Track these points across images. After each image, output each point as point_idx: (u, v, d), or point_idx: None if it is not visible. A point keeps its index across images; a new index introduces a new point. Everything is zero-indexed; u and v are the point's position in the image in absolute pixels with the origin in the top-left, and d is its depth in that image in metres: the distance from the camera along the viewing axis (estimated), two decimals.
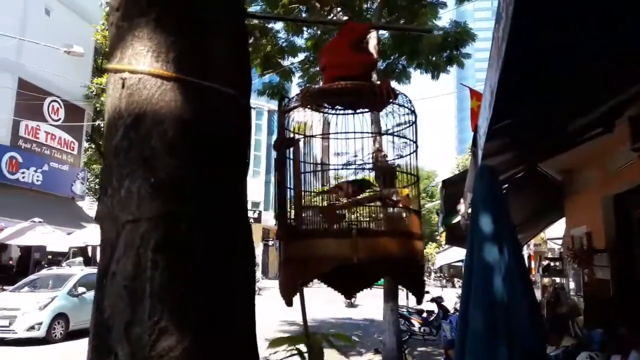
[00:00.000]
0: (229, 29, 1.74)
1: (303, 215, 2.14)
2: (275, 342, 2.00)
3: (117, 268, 1.42)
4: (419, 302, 2.15)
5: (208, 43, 1.65)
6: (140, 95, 1.52)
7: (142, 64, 1.54)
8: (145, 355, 1.34)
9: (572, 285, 9.71)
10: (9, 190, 21.29)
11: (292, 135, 2.23)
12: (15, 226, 17.57)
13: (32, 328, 11.13)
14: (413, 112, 2.25)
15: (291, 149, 2.15)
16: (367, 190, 2.27)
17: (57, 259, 19.10)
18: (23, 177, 22.46)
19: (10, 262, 19.45)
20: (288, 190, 2.11)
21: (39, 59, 21.22)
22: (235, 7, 1.83)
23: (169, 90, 1.54)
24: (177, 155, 1.49)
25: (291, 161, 2.16)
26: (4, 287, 14.19)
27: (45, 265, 17.33)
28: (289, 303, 1.97)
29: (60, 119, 24.63)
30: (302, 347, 2.02)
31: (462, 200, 7.09)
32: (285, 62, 12.93)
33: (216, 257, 1.50)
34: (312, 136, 2.36)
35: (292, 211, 2.13)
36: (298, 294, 2.01)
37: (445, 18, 12.96)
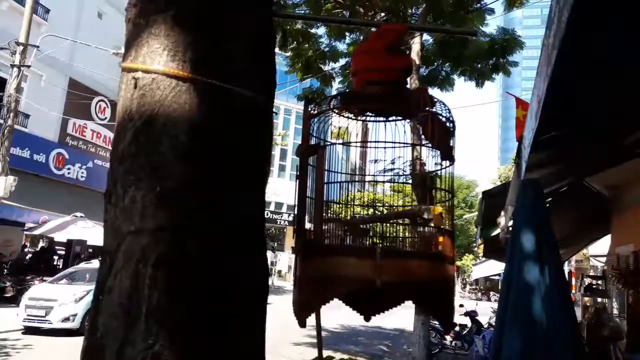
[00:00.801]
0: (253, 29, 1.63)
1: (324, 227, 1.99)
2: None
3: (114, 283, 1.30)
4: (447, 332, 1.98)
5: (229, 43, 1.54)
6: (153, 97, 1.42)
7: (157, 62, 1.44)
8: None
9: (615, 306, 9.24)
10: (55, 185, 22.05)
11: (317, 141, 2.09)
12: (57, 220, 18.13)
13: (66, 319, 11.38)
14: (452, 121, 2.09)
15: (315, 157, 2.00)
16: (396, 206, 2.12)
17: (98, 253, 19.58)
18: (68, 173, 23.23)
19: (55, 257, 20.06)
20: (308, 200, 1.98)
21: (89, 60, 21.93)
22: (261, 6, 1.71)
23: (184, 91, 1.42)
24: (187, 163, 1.37)
25: (314, 169, 2.01)
26: (44, 279, 14.60)
27: (85, 259, 17.75)
28: (302, 324, 1.83)
29: (106, 117, 25.36)
30: None
31: (502, 213, 6.83)
32: (326, 67, 12.85)
33: (223, 278, 1.37)
34: (340, 143, 2.23)
35: (312, 224, 1.98)
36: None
37: (492, 24, 12.64)
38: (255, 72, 1.59)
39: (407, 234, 2.17)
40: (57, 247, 20.29)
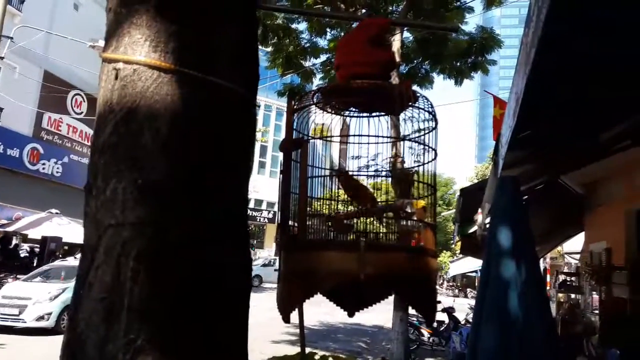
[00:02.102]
0: (237, 21, 1.61)
1: (308, 223, 1.99)
2: None
3: (95, 277, 1.28)
4: (429, 325, 2.00)
5: (213, 35, 1.52)
6: (134, 88, 1.39)
7: (139, 53, 1.41)
8: None
9: (588, 302, 9.45)
10: (29, 180, 21.61)
11: (300, 136, 2.08)
12: (32, 216, 17.78)
13: (41, 318, 11.18)
14: (434, 117, 2.10)
15: (299, 151, 1.99)
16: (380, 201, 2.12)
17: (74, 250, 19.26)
18: (43, 168, 22.77)
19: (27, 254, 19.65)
20: (292, 195, 1.97)
21: (65, 53, 21.51)
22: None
23: (166, 83, 1.40)
24: (169, 155, 1.35)
25: (298, 164, 2.00)
26: (18, 277, 14.31)
27: (60, 256, 17.45)
28: (287, 319, 1.83)
29: (83, 112, 24.93)
30: None
31: (479, 210, 6.92)
32: (307, 63, 12.84)
33: (206, 271, 1.35)
34: (322, 138, 2.22)
35: (296, 219, 1.98)
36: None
37: (471, 23, 12.79)
38: (238, 64, 1.57)
39: (390, 228, 2.18)
40: (31, 245, 19.84)
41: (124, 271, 1.26)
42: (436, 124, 2.08)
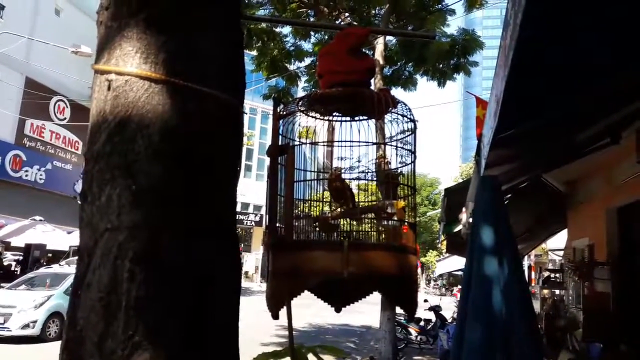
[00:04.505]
0: (224, 32, 1.68)
1: (295, 224, 2.07)
2: (259, 358, 1.92)
3: (92, 279, 1.35)
4: (411, 318, 2.08)
5: (201, 46, 1.59)
6: (126, 98, 1.46)
7: (130, 65, 1.48)
8: None
9: (571, 297, 9.63)
10: (12, 187, 21.37)
11: (286, 141, 2.16)
12: (15, 224, 17.59)
13: (26, 326, 11.10)
14: (412, 121, 2.20)
15: (284, 156, 2.07)
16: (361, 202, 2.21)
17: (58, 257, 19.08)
18: (26, 175, 22.54)
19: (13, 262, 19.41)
20: (279, 198, 2.05)
21: (47, 59, 21.33)
22: (232, 10, 1.77)
23: (157, 93, 1.47)
24: (161, 162, 1.42)
25: (284, 168, 2.08)
26: (2, 285, 14.16)
27: (44, 264, 17.29)
28: (275, 316, 1.91)
29: (65, 118, 24.73)
30: None
31: (464, 210, 7.04)
32: (292, 67, 12.92)
33: (199, 272, 1.43)
34: (307, 143, 2.30)
35: (283, 220, 2.06)
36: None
37: (453, 25, 12.95)
38: (226, 73, 1.64)
39: (372, 228, 2.26)
40: (13, 252, 19.61)
41: (120, 272, 1.33)
42: (415, 127, 2.17)
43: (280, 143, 2.08)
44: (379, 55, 10.47)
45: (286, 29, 12.45)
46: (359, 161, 2.30)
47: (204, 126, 1.53)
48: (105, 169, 1.42)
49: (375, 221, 2.27)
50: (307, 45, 12.68)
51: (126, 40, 1.50)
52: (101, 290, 1.33)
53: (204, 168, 1.50)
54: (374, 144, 2.33)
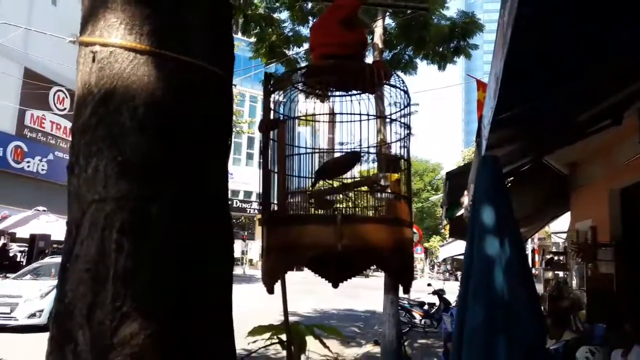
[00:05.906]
0: (212, 6, 1.65)
1: (290, 200, 2.04)
2: (255, 331, 1.91)
3: (80, 250, 1.33)
4: (406, 291, 2.05)
5: (188, 17, 1.56)
6: (112, 70, 1.43)
7: (115, 36, 1.45)
8: (106, 342, 1.26)
9: (575, 279, 9.62)
10: (14, 179, 21.41)
11: (277, 116, 2.13)
12: (19, 215, 17.65)
13: (33, 315, 11.17)
14: (406, 92, 2.16)
15: (276, 131, 2.04)
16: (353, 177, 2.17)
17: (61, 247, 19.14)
18: (28, 166, 22.57)
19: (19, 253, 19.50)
20: (272, 174, 2.02)
21: (45, 49, 21.23)
22: None
23: (142, 64, 1.44)
24: (147, 133, 1.40)
25: (275, 144, 2.05)
26: (7, 275, 14.25)
27: (49, 254, 17.36)
28: (270, 291, 1.89)
29: (65, 108, 24.66)
30: (284, 337, 1.93)
31: (465, 192, 7.01)
32: (290, 52, 12.83)
33: (188, 243, 1.41)
34: (297, 117, 2.26)
35: (276, 196, 2.03)
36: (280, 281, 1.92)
37: (453, 8, 12.80)
38: (213, 44, 1.61)
39: (366, 201, 2.23)
40: (19, 244, 19.71)
41: (108, 243, 1.32)
42: (409, 100, 2.13)
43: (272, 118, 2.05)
44: (378, 38, 10.35)
45: (284, 14, 12.34)
46: (360, 145, 2.26)
47: (190, 98, 1.50)
48: (91, 142, 1.40)
49: (370, 196, 2.24)
50: (305, 31, 12.57)
51: (110, 11, 1.47)
52: (89, 262, 1.31)
53: (190, 141, 1.48)
54: (370, 117, 2.28)
